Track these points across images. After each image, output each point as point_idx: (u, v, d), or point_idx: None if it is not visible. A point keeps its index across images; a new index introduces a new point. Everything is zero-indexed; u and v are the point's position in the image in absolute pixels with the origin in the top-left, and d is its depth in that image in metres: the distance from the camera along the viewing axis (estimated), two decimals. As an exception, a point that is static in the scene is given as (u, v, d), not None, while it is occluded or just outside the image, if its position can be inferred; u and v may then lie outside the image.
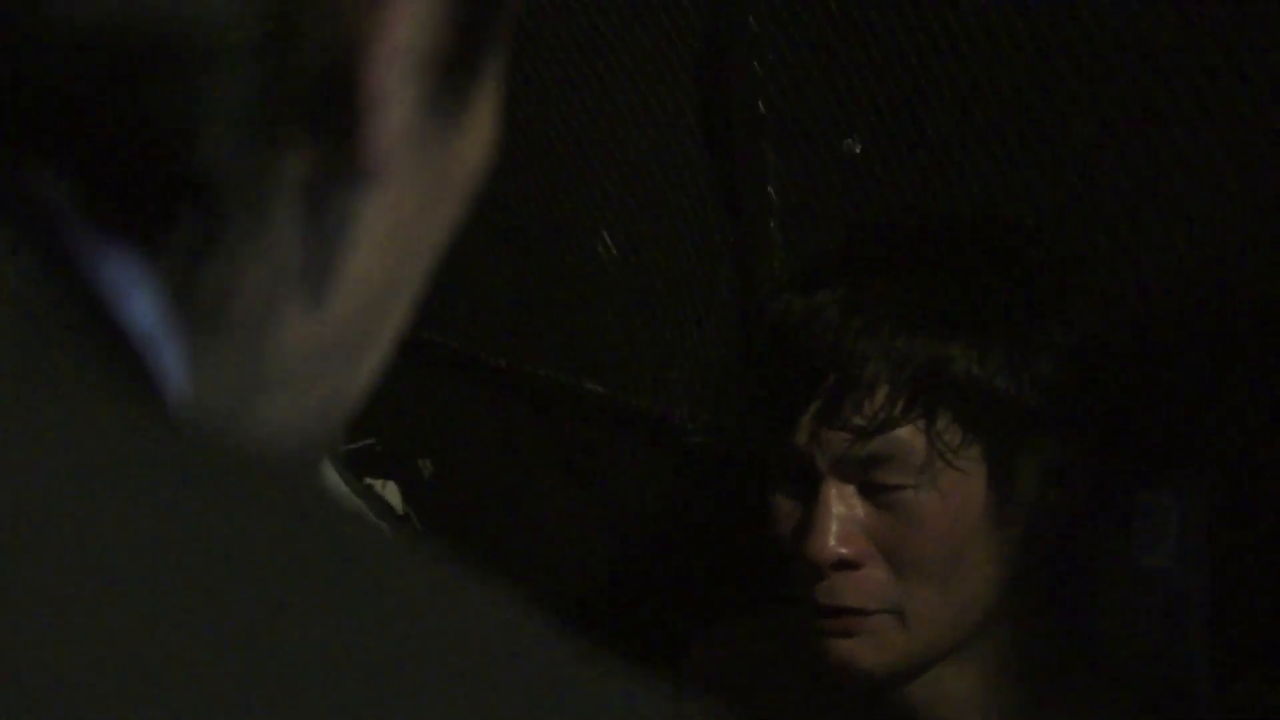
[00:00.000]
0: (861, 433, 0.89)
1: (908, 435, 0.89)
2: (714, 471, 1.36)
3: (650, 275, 1.37)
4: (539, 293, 1.52)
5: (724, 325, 1.30)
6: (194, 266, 0.31)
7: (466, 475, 1.72)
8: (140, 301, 0.31)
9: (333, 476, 1.49)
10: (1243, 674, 0.96)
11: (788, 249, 1.20)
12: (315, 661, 0.25)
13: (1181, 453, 0.96)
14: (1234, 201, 0.91)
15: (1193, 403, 0.96)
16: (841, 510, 0.91)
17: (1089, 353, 0.91)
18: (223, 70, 0.29)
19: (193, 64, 0.29)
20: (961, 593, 0.91)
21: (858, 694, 0.97)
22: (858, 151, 1.12)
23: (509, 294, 1.56)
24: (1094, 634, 1.03)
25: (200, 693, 0.24)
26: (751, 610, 1.18)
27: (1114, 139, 0.96)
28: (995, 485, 0.89)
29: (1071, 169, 1.00)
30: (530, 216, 1.49)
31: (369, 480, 1.55)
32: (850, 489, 0.91)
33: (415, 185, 0.36)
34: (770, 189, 1.20)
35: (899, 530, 0.90)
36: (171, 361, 0.32)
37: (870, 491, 0.91)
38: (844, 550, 0.91)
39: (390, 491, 1.54)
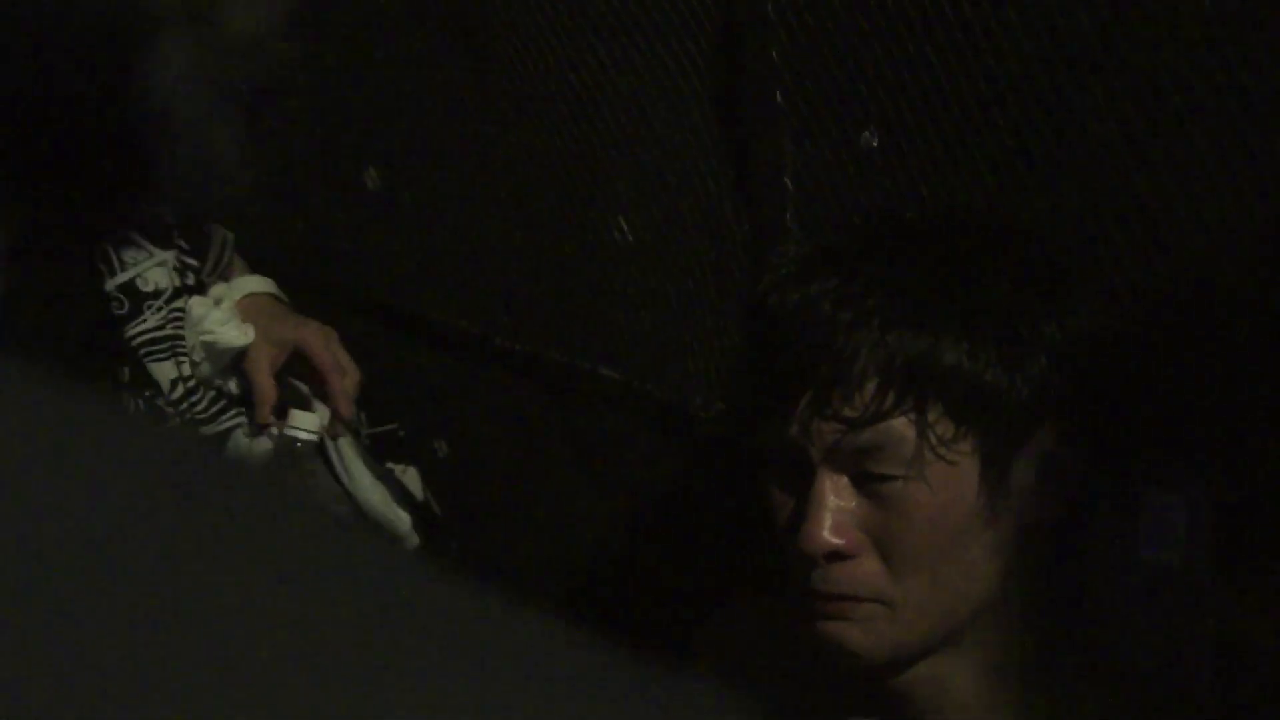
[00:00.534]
0: (853, 424, 0.90)
1: (899, 426, 0.90)
2: (726, 459, 1.36)
3: (665, 262, 1.37)
4: (554, 277, 1.52)
5: (737, 314, 1.31)
6: None
7: (480, 460, 1.73)
8: None
9: (354, 460, 1.50)
10: (1246, 671, 0.96)
11: (803, 240, 1.20)
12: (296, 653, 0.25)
13: (1188, 448, 0.96)
14: (1243, 198, 0.90)
15: (1199, 398, 0.96)
16: (834, 501, 0.92)
17: (1085, 347, 0.91)
18: None
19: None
20: (953, 584, 0.92)
21: (856, 680, 0.98)
22: (874, 144, 1.12)
23: (524, 278, 1.57)
24: (1097, 628, 1.03)
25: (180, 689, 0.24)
26: (759, 595, 1.19)
27: (1130, 135, 0.96)
28: (987, 478, 0.90)
29: (1088, 165, 0.99)
30: (546, 202, 1.50)
31: (390, 465, 1.55)
32: (843, 480, 0.92)
33: None
34: (786, 179, 1.20)
35: (890, 521, 0.91)
36: None
37: (862, 482, 0.92)
38: (836, 541, 0.92)
39: (410, 477, 1.55)
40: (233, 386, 1.36)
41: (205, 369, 1.34)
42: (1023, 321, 0.90)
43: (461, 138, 1.59)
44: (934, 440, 0.89)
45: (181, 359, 1.30)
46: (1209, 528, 0.94)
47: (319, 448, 1.34)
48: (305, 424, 1.28)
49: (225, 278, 1.40)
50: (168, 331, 1.30)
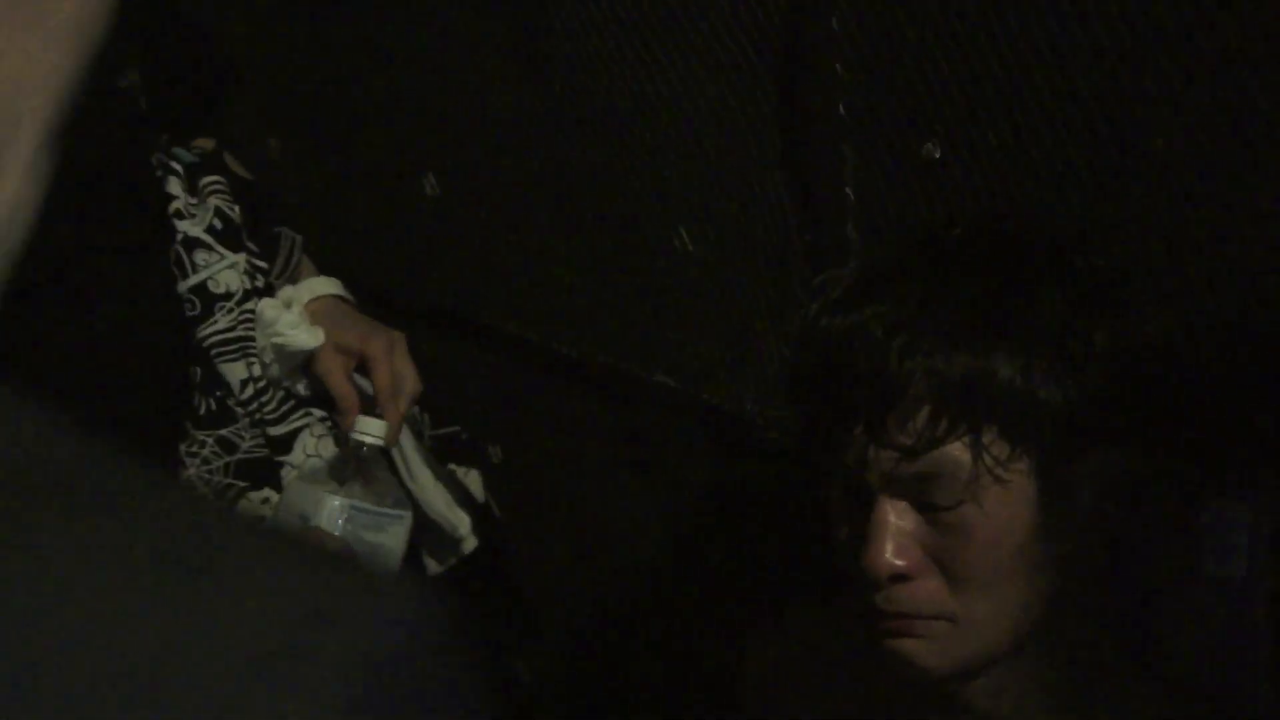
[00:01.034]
0: (908, 452, 0.90)
1: (955, 452, 0.90)
2: (781, 469, 1.37)
3: (725, 272, 1.39)
4: (613, 285, 1.54)
5: (795, 327, 1.31)
6: None
7: (535, 464, 1.74)
8: None
9: (418, 463, 1.51)
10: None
11: (864, 252, 1.21)
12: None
13: (1251, 459, 0.96)
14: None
15: (1262, 408, 0.96)
16: (895, 525, 0.93)
17: (1142, 362, 0.91)
18: None
19: None
20: (1014, 599, 0.92)
21: (916, 692, 0.99)
22: (937, 156, 1.12)
23: (583, 285, 1.58)
24: (1158, 640, 1.03)
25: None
26: (812, 605, 1.20)
27: (1196, 148, 0.97)
28: (1045, 497, 0.90)
29: (1151, 175, 1.00)
30: (608, 210, 1.51)
31: (453, 466, 1.57)
32: (903, 503, 0.93)
33: None
34: (848, 190, 1.21)
35: (951, 543, 0.92)
36: None
37: (921, 506, 0.92)
38: (899, 563, 0.93)
39: (472, 480, 1.56)
40: (301, 388, 1.38)
41: (275, 370, 1.36)
42: (1074, 335, 0.89)
43: (522, 145, 1.60)
44: (990, 462, 0.89)
45: (252, 360, 1.33)
46: (1272, 540, 0.94)
47: (384, 450, 1.36)
48: (371, 429, 1.30)
49: (294, 280, 1.42)
50: (238, 333, 1.32)
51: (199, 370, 1.31)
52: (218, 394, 1.31)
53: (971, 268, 0.93)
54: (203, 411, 1.31)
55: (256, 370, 1.33)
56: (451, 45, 1.65)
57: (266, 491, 1.32)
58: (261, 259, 1.37)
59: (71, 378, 1.26)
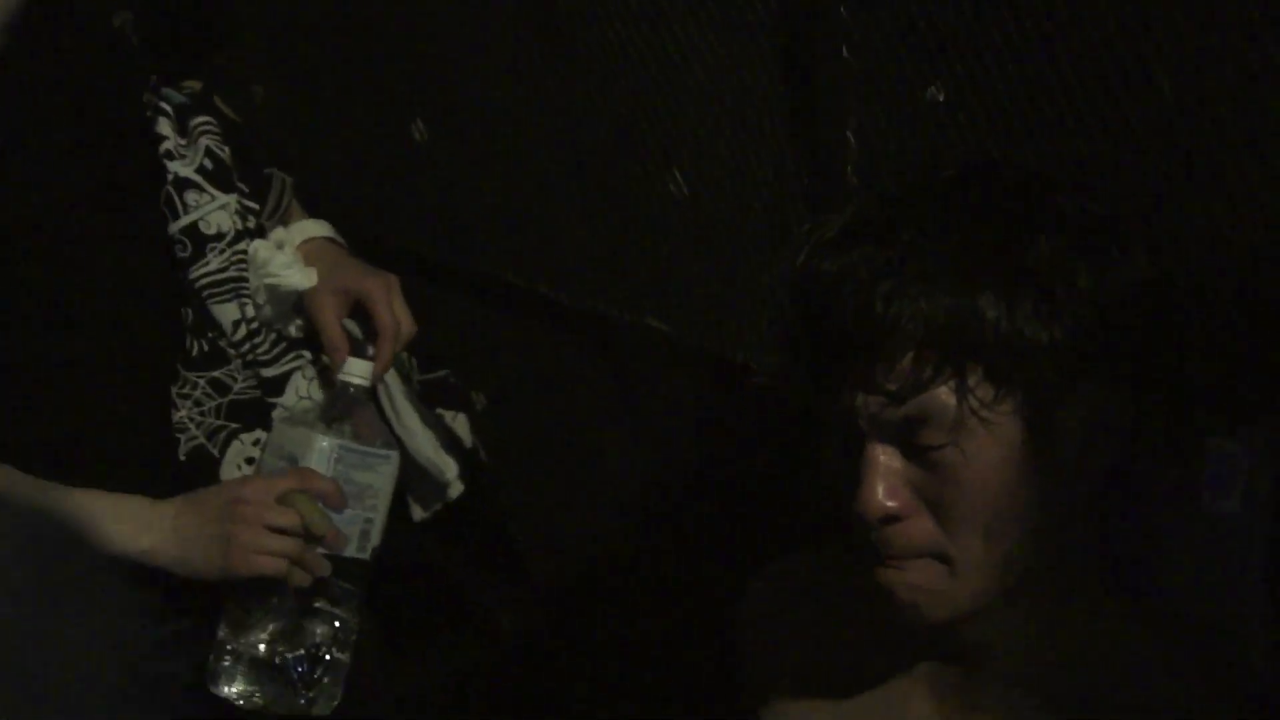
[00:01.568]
0: (894, 396, 0.91)
1: (940, 396, 0.90)
2: (774, 412, 1.37)
3: (720, 216, 1.38)
4: (604, 229, 1.53)
5: (784, 275, 1.31)
6: None
7: (523, 411, 1.74)
8: None
9: (405, 406, 1.51)
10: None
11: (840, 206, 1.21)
12: None
13: (1251, 400, 0.97)
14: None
15: (1262, 349, 0.97)
16: (885, 467, 0.93)
17: (1128, 297, 0.91)
18: None
19: None
20: (1007, 539, 0.93)
21: (912, 631, 0.99)
22: (941, 100, 1.12)
23: (573, 229, 1.57)
24: (1153, 577, 1.04)
25: None
26: (808, 547, 1.20)
27: (1198, 91, 0.97)
28: (1032, 435, 0.91)
29: (1155, 121, 1.00)
30: (599, 153, 1.50)
31: (440, 411, 1.56)
32: (892, 447, 0.93)
33: None
34: (849, 134, 1.20)
35: (940, 485, 0.92)
36: None
37: (910, 449, 0.93)
38: (890, 504, 0.93)
39: (460, 424, 1.56)
40: (294, 330, 1.37)
41: (268, 311, 1.35)
42: (1059, 277, 0.89)
43: (511, 88, 1.59)
44: (975, 404, 0.90)
45: (245, 301, 1.31)
46: (1271, 475, 0.95)
47: (371, 393, 1.35)
48: (359, 370, 1.30)
49: (284, 222, 1.41)
50: (230, 274, 1.30)
51: (190, 312, 1.30)
52: (210, 335, 1.30)
53: (960, 210, 0.93)
54: (195, 353, 1.29)
55: (250, 311, 1.32)
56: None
57: (258, 433, 1.31)
58: (252, 200, 1.36)
59: (61, 319, 1.25)
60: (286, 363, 1.36)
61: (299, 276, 1.33)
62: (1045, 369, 0.89)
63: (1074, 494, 0.94)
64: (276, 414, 1.34)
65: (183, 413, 1.29)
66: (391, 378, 1.50)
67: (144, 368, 1.29)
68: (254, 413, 1.31)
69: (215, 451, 1.29)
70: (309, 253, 1.38)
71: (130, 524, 1.22)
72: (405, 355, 1.57)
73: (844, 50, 1.17)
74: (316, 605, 1.29)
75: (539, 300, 1.64)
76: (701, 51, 1.33)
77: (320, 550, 1.25)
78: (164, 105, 1.33)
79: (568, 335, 1.63)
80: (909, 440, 0.92)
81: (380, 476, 1.29)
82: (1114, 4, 1.00)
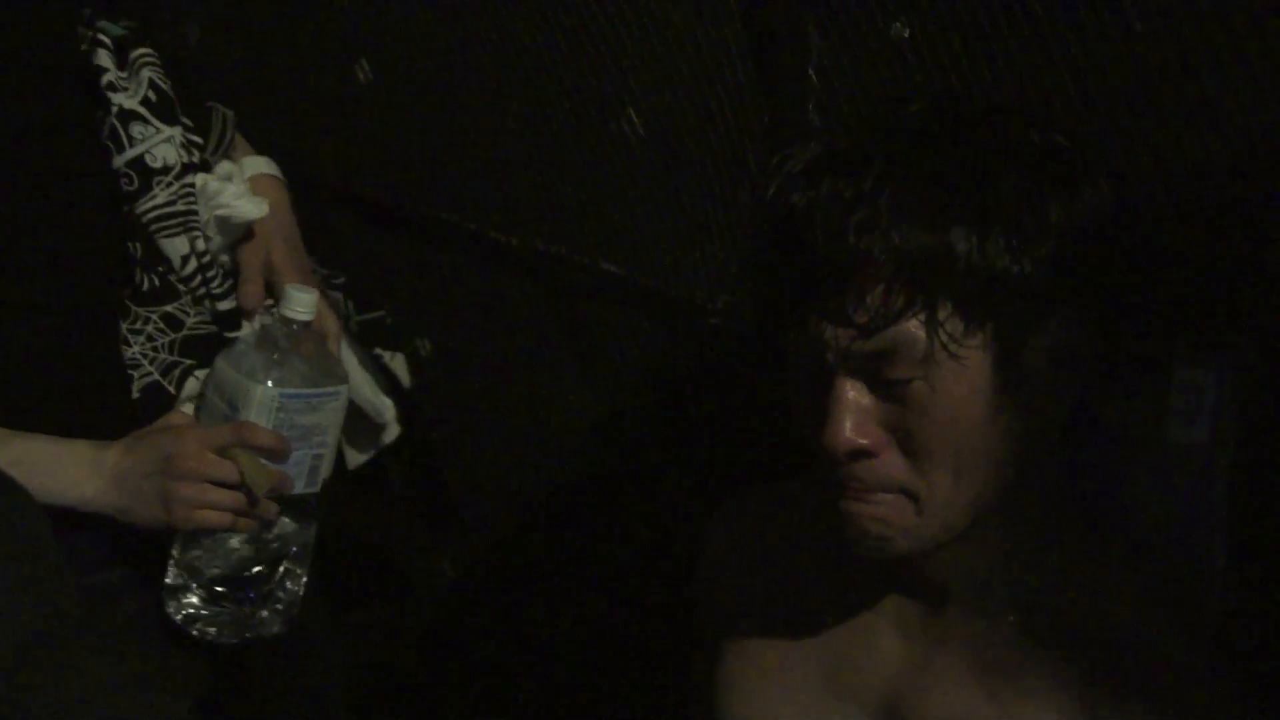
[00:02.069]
0: (864, 329, 0.90)
1: (910, 329, 0.90)
2: (733, 352, 1.37)
3: (677, 155, 1.37)
4: (557, 171, 1.51)
5: (751, 209, 1.30)
6: None
7: (470, 356, 1.72)
8: None
9: (344, 347, 1.48)
10: (1264, 549, 0.99)
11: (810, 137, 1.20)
12: None
13: (1218, 328, 0.98)
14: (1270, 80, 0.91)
15: (1226, 279, 0.97)
16: (854, 402, 0.93)
17: (1096, 229, 0.91)
18: None
19: None
20: (975, 474, 0.93)
21: (876, 564, 1.00)
22: (906, 35, 1.11)
23: (524, 171, 1.55)
24: (1119, 509, 1.05)
25: None
26: (768, 484, 1.20)
27: (1167, 24, 0.97)
28: (1001, 369, 0.91)
29: (1120, 50, 1.00)
30: (550, 91, 1.48)
31: (378, 351, 1.54)
32: (861, 381, 0.93)
33: None
34: (811, 71, 1.19)
35: (909, 419, 0.92)
36: None
37: (879, 384, 0.93)
38: (860, 440, 0.93)
39: (398, 364, 1.54)
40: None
41: (217, 243, 1.32)
42: (1029, 210, 0.89)
43: (459, 27, 1.57)
44: (945, 338, 0.90)
45: (195, 235, 1.28)
46: (1236, 404, 0.96)
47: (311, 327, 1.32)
48: (303, 305, 1.25)
49: (229, 156, 1.38)
50: (179, 208, 1.27)
51: (139, 246, 1.27)
52: (159, 270, 1.27)
53: (930, 144, 0.92)
54: (145, 288, 1.26)
55: (200, 245, 1.29)
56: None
57: (213, 369, 1.29)
58: (196, 134, 1.33)
59: (1, 257, 1.22)
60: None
61: (251, 206, 1.31)
62: (1015, 302, 0.89)
63: (1041, 427, 0.94)
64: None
65: (135, 349, 1.26)
66: (331, 318, 1.47)
67: (89, 304, 1.25)
68: (210, 349, 1.28)
69: (171, 388, 1.27)
70: (257, 189, 1.36)
71: (72, 470, 1.20)
72: (341, 297, 1.55)
73: (807, -16, 1.16)
74: (267, 536, 1.27)
75: (489, 244, 1.62)
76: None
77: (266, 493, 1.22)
78: (101, 37, 1.30)
79: (519, 279, 1.61)
80: (877, 374, 0.92)
81: (327, 414, 1.26)
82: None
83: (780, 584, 1.14)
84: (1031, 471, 0.95)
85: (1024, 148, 0.92)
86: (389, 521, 1.88)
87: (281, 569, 1.29)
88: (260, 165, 1.39)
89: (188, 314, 1.28)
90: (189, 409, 1.27)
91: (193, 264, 1.29)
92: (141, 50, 1.32)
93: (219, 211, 1.29)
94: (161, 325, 1.27)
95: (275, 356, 1.24)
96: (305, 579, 1.30)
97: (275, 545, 1.28)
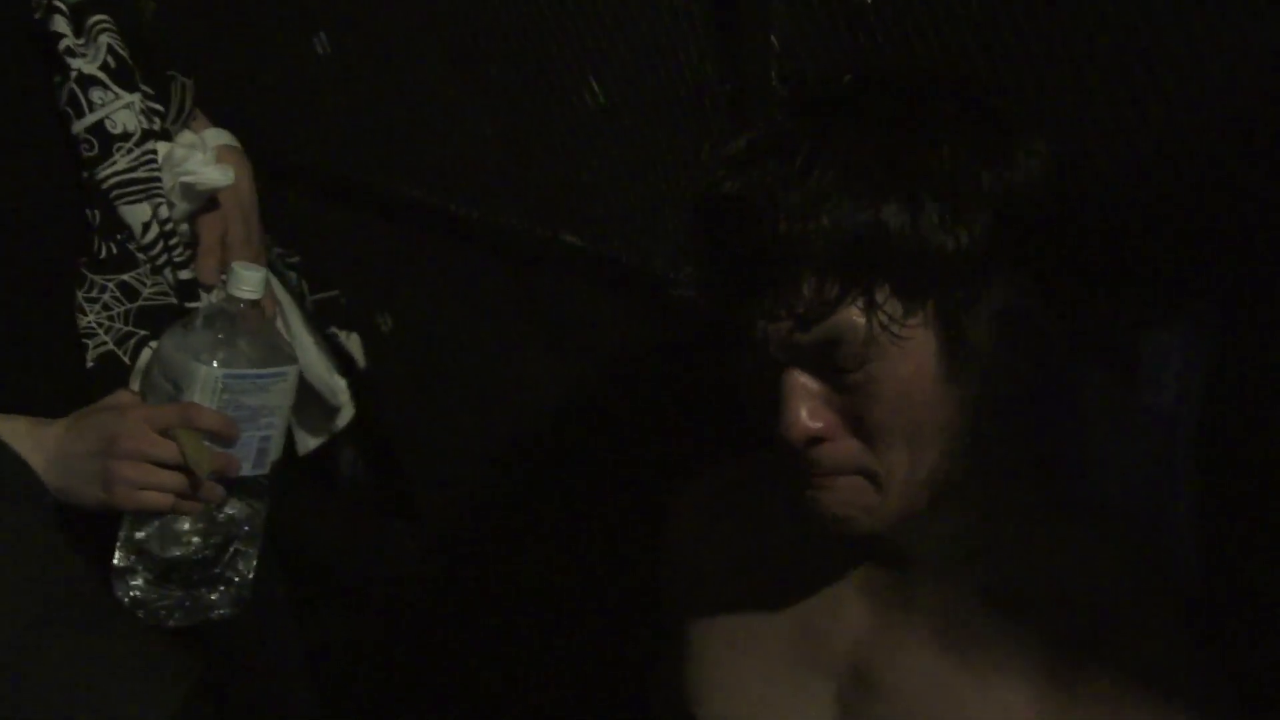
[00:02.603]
0: (803, 321, 0.90)
1: (850, 316, 0.89)
2: (694, 322, 1.36)
3: (639, 124, 1.36)
4: (517, 142, 1.51)
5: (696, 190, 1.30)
6: None
7: (429, 333, 1.72)
8: None
9: (298, 326, 1.47)
10: (1229, 513, 1.00)
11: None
12: None
13: (1184, 292, 0.98)
14: (1233, 37, 0.91)
15: (1193, 241, 0.98)
16: (805, 390, 0.93)
17: (1032, 197, 0.91)
18: None
19: None
20: (931, 450, 0.93)
21: (837, 546, 1.00)
22: (869, 2, 1.12)
23: (484, 143, 1.55)
24: (1087, 475, 1.06)
25: None
26: (732, 458, 1.20)
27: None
28: (946, 345, 0.91)
29: (1074, 14, 1.00)
30: (511, 61, 1.47)
31: (333, 330, 1.53)
32: (809, 370, 0.93)
33: None
34: (773, 37, 1.19)
35: (860, 404, 0.92)
36: None
37: (827, 371, 0.92)
38: (814, 426, 0.93)
39: (353, 343, 1.53)
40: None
41: (180, 210, 1.31)
42: (962, 179, 0.88)
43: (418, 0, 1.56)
44: (885, 321, 0.89)
45: (158, 202, 1.27)
46: (1204, 367, 0.97)
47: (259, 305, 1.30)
48: (251, 283, 1.23)
49: (189, 126, 1.37)
50: (140, 175, 1.26)
51: (98, 213, 1.25)
52: (118, 237, 1.26)
53: (857, 120, 0.91)
54: (103, 256, 1.25)
55: (163, 213, 1.28)
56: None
57: (168, 341, 1.27)
58: (156, 102, 1.31)
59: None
60: (198, 266, 1.32)
61: (217, 174, 1.29)
62: (953, 277, 0.89)
63: (995, 396, 0.94)
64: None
65: (90, 317, 1.24)
66: (284, 298, 1.46)
67: (44, 271, 1.24)
68: (165, 320, 1.26)
69: (126, 358, 1.25)
70: (221, 160, 1.35)
71: (14, 446, 1.18)
72: (296, 278, 1.54)
73: (770, -52, 1.16)
74: (217, 517, 1.26)
75: (448, 217, 1.61)
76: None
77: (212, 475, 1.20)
78: (57, 3, 1.28)
79: (479, 253, 1.60)
80: (824, 363, 0.92)
81: (275, 395, 1.23)
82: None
83: (746, 555, 1.14)
84: (991, 440, 0.95)
85: (955, 115, 0.91)
86: (340, 509, 1.87)
87: (231, 550, 1.27)
88: (222, 137, 1.38)
89: (144, 284, 1.26)
90: (138, 385, 1.25)
91: (154, 231, 1.27)
92: (98, 17, 1.31)
93: (185, 178, 1.28)
94: (118, 294, 1.25)
95: (221, 336, 1.21)
96: (256, 560, 1.28)
97: (225, 527, 1.26)
